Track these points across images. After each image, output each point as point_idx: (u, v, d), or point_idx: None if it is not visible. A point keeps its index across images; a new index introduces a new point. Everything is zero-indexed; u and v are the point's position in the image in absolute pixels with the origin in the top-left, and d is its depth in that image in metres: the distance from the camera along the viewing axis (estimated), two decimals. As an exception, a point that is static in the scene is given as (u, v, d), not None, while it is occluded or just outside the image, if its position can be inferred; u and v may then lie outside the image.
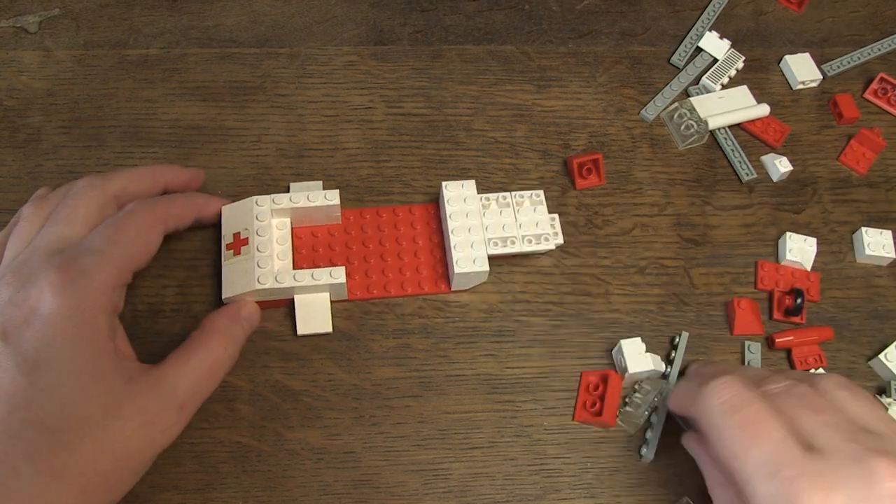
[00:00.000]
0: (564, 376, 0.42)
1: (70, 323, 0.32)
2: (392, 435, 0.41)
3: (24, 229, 0.37)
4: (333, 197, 0.42)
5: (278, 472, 0.39)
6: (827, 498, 0.28)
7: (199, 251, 0.44)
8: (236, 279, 0.40)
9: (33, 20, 0.50)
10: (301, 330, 0.41)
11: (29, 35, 0.50)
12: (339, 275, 0.41)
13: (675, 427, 0.41)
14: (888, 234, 0.46)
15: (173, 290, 0.43)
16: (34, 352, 0.31)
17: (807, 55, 0.52)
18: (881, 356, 0.43)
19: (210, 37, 0.50)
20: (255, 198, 0.41)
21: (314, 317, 0.41)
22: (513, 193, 0.44)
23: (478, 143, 0.48)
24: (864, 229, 0.46)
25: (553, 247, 0.43)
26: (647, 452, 0.40)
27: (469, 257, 0.41)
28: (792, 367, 0.43)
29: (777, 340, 0.43)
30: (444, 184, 0.43)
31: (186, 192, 0.42)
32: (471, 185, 0.43)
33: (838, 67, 0.52)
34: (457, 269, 0.41)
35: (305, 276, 0.40)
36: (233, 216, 0.42)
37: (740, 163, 0.48)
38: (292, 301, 0.42)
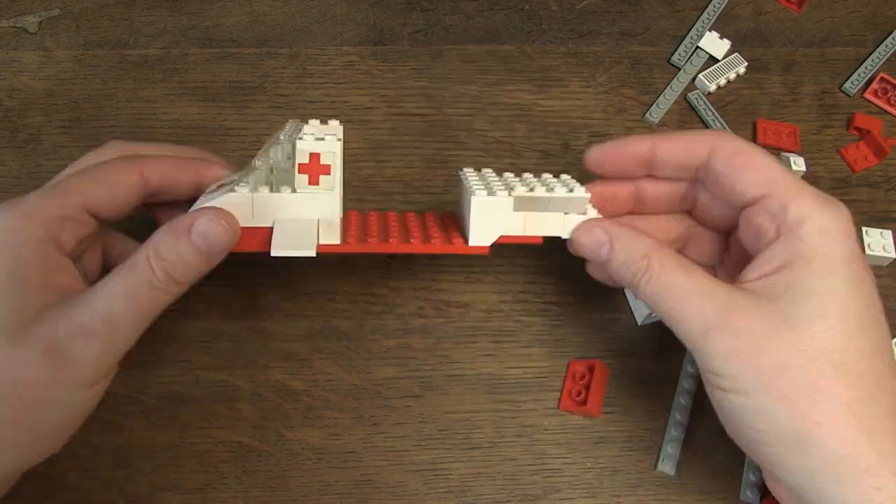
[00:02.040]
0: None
1: None
2: (392, 435, 0.41)
3: None
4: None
5: (278, 472, 0.39)
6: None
7: (199, 251, 0.44)
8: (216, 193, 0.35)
9: (33, 20, 0.50)
10: (276, 250, 0.32)
11: (29, 35, 0.50)
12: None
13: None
14: (888, 234, 0.46)
15: (173, 290, 0.43)
16: None
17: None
18: (881, 356, 0.43)
19: (210, 37, 0.50)
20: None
21: (295, 235, 0.33)
22: (543, 176, 0.38)
23: (478, 143, 0.48)
24: (864, 229, 0.46)
25: (586, 196, 0.36)
26: (667, 468, 0.40)
27: (490, 193, 0.35)
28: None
29: (777, 340, 0.43)
30: (463, 169, 0.39)
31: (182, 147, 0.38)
32: (490, 172, 0.39)
33: (857, 83, 0.51)
34: (475, 199, 0.34)
35: (287, 193, 0.33)
36: None
37: None
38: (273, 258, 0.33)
